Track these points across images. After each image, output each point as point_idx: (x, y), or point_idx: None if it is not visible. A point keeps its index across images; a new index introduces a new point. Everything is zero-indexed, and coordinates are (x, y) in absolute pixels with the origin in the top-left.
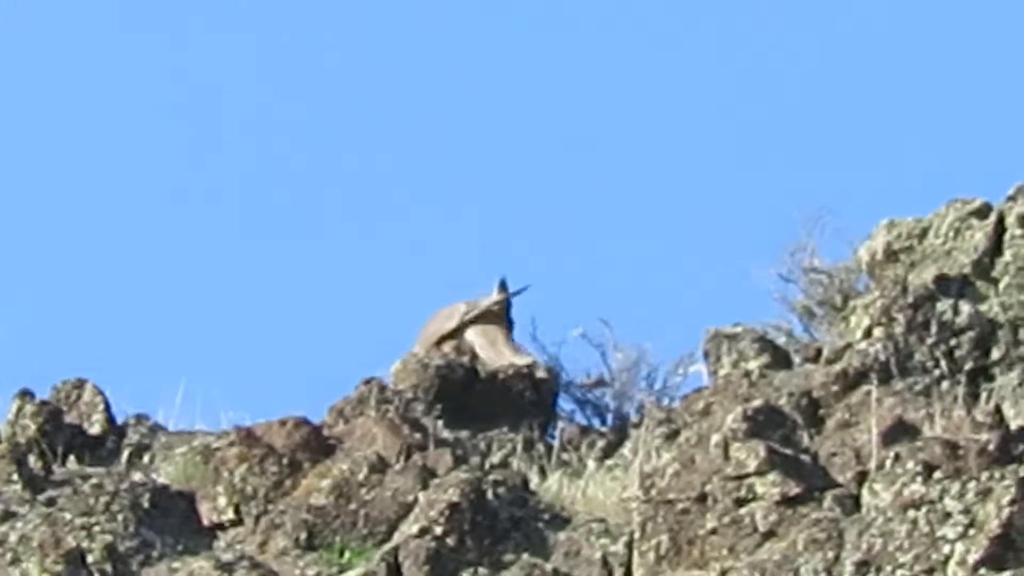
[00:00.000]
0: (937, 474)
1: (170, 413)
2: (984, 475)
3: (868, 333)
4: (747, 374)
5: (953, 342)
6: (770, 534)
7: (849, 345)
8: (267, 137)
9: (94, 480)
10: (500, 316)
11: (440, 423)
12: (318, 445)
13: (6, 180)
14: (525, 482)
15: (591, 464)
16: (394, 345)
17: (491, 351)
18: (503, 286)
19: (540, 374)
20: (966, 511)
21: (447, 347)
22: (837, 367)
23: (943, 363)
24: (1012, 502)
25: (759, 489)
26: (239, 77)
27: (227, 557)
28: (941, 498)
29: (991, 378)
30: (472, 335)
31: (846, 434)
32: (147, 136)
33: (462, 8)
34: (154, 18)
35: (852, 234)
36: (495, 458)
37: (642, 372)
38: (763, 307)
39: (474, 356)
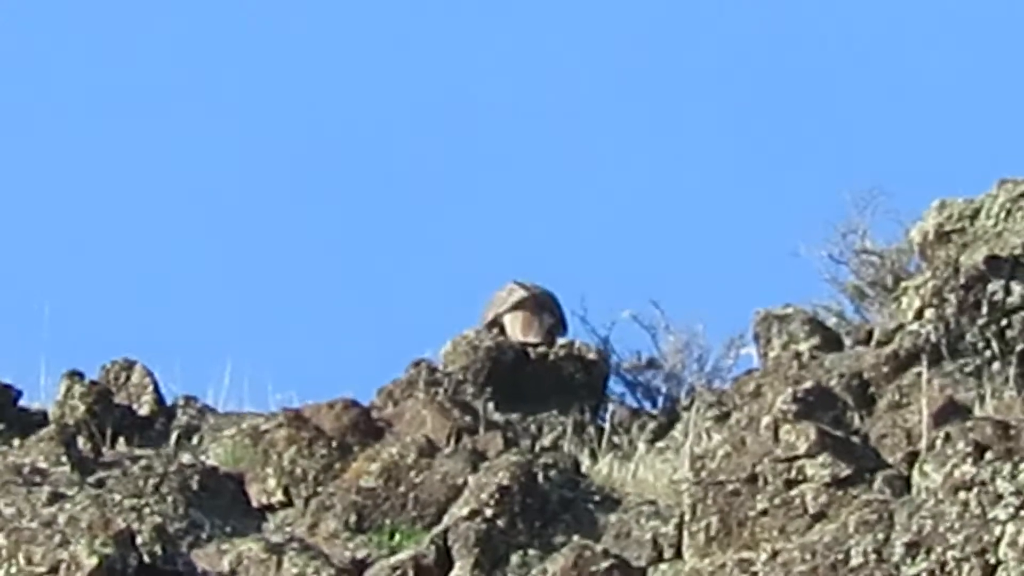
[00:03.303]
0: (988, 455)
1: (218, 394)
2: None
3: (919, 314)
4: (797, 355)
5: (1004, 323)
6: (820, 516)
7: (900, 326)
8: (311, 119)
9: (143, 462)
10: (536, 301)
11: (490, 405)
12: (367, 427)
13: (55, 161)
14: (576, 464)
15: (641, 446)
16: (444, 327)
17: (510, 330)
18: (522, 286)
19: (591, 356)
20: (1017, 492)
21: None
22: (888, 348)
23: (994, 344)
24: None
25: (809, 471)
26: (277, 71)
27: (276, 539)
28: (992, 479)
29: None
30: (506, 319)
31: (897, 415)
32: (192, 118)
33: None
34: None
35: (903, 215)
36: (546, 440)
37: (693, 354)
38: (814, 288)
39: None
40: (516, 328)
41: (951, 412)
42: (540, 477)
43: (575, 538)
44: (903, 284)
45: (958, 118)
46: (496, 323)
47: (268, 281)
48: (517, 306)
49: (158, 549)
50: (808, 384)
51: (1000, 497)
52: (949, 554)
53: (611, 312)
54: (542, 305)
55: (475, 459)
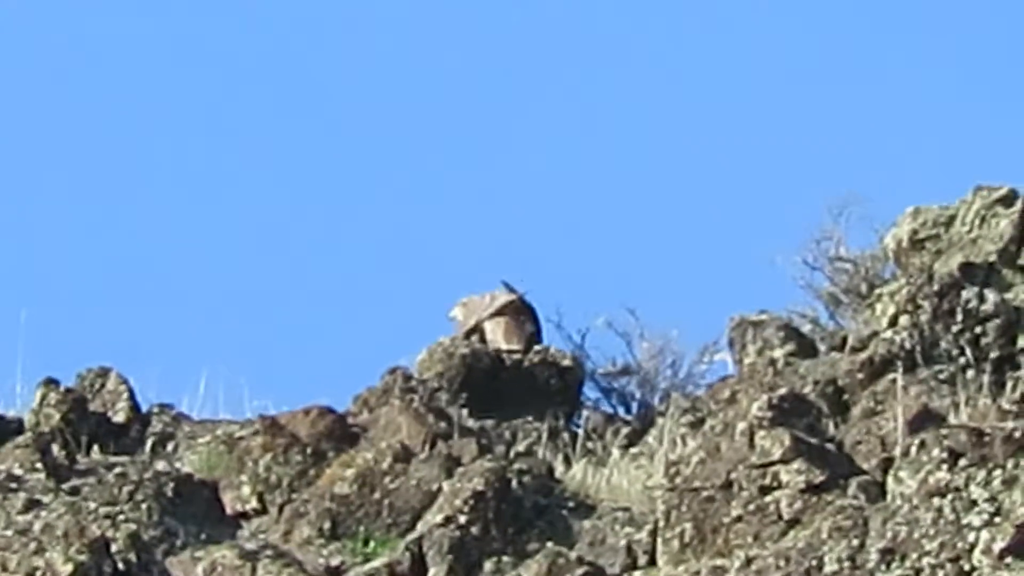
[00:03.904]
0: (962, 461)
1: (194, 401)
2: (1010, 463)
3: (894, 321)
4: (772, 362)
5: (979, 330)
6: (795, 522)
7: (875, 333)
8: (286, 132)
9: (118, 469)
10: (517, 308)
11: (465, 412)
12: (342, 434)
13: (37, 172)
14: (550, 470)
15: (616, 452)
16: (419, 334)
17: (492, 337)
18: (508, 287)
19: (565, 362)
20: (992, 499)
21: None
22: (862, 355)
23: (968, 351)
24: None
25: (784, 477)
26: (255, 77)
27: (251, 546)
28: (966, 486)
29: (1017, 366)
30: (488, 325)
31: (871, 422)
32: (170, 130)
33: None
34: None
35: (878, 222)
36: (520, 447)
37: (667, 360)
38: (788, 294)
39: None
40: (499, 335)
41: (926, 419)
42: (514, 483)
43: (549, 544)
44: (877, 291)
45: (933, 125)
46: (477, 328)
47: (244, 289)
48: (500, 312)
49: (133, 556)
50: (783, 391)
51: (974, 503)
52: (923, 560)
53: (586, 318)
54: (523, 312)
55: (450, 465)
